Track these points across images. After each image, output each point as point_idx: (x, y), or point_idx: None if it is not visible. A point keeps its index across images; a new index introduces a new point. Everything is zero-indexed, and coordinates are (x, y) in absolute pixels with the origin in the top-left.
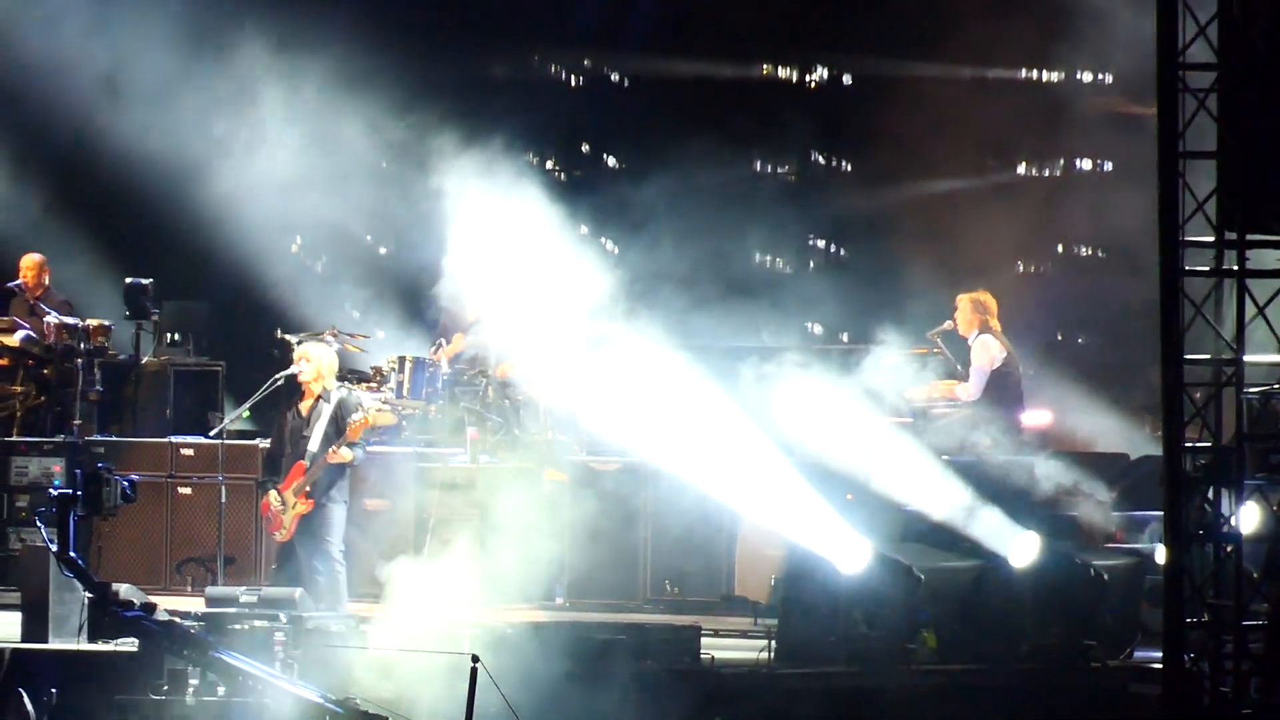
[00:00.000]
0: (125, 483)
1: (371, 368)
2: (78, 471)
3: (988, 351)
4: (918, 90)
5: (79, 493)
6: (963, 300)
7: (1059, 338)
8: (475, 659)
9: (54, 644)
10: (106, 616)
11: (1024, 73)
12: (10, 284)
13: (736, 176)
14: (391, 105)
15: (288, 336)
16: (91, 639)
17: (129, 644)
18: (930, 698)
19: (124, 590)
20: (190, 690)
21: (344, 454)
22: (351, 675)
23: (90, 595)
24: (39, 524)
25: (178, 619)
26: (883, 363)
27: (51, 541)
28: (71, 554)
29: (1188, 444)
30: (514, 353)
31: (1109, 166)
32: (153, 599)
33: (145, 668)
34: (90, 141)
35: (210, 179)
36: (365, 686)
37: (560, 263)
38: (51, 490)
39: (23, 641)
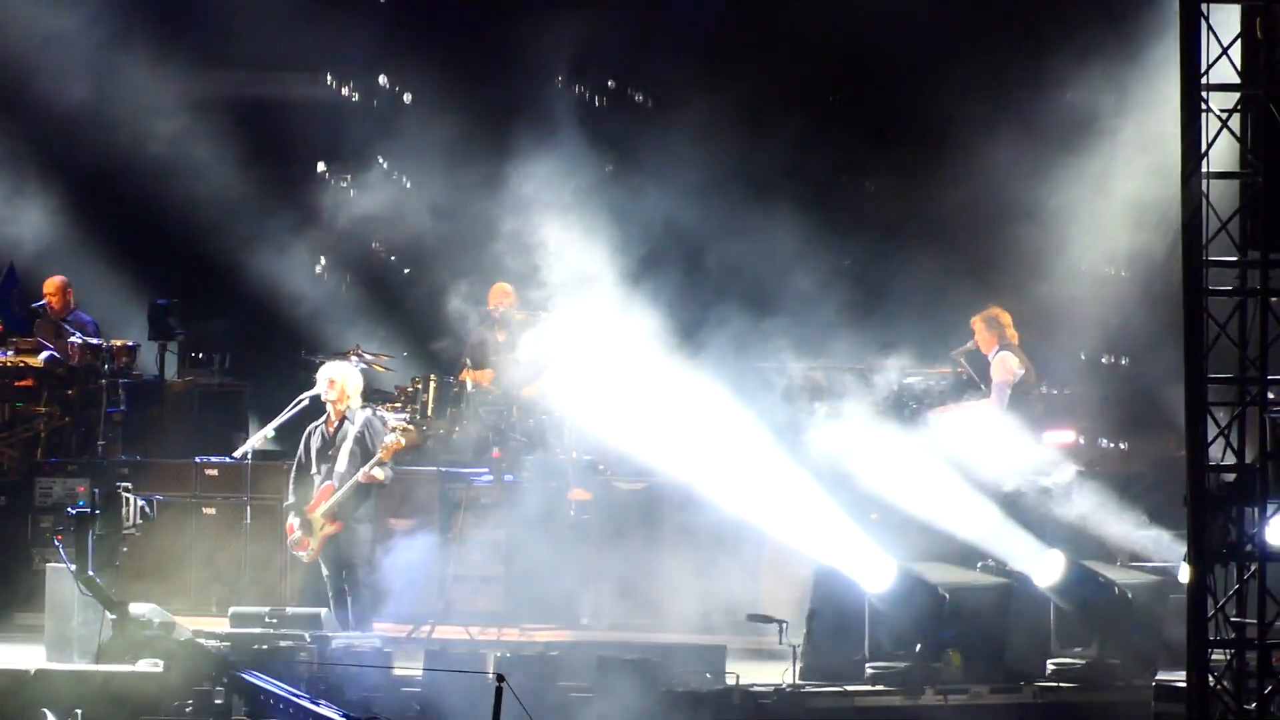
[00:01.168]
0: (144, 502)
1: (396, 387)
2: (95, 491)
3: (1008, 367)
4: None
5: (97, 512)
6: (977, 320)
7: (1083, 357)
8: (500, 679)
9: (78, 664)
10: (126, 636)
11: (1044, 91)
12: (35, 305)
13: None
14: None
15: (313, 357)
16: (111, 659)
17: (153, 664)
18: (956, 717)
19: (146, 610)
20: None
21: (376, 474)
22: (377, 695)
23: (111, 615)
24: (57, 544)
25: (200, 639)
26: (907, 382)
27: (70, 562)
28: (90, 573)
29: (1211, 463)
30: (544, 373)
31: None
32: (176, 619)
33: (169, 688)
34: (116, 163)
35: (235, 200)
36: (390, 707)
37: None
38: (70, 510)
39: (47, 661)
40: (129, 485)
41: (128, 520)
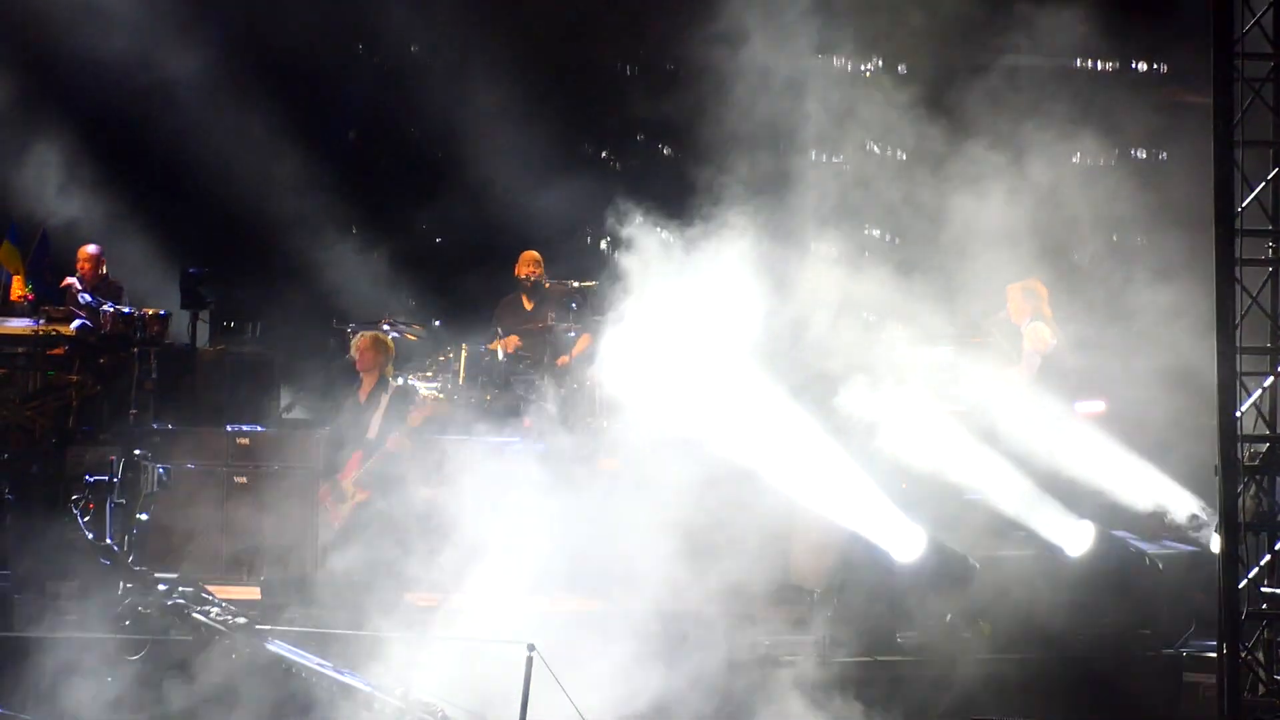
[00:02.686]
0: (161, 469)
1: (427, 356)
2: (113, 459)
3: (1041, 337)
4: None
5: (115, 480)
6: (1013, 289)
7: (1113, 327)
8: (531, 647)
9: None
10: (147, 605)
11: (1078, 62)
12: (69, 279)
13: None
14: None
15: (344, 326)
16: (132, 628)
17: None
18: (986, 687)
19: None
20: None
21: (405, 442)
22: (407, 664)
23: (128, 584)
24: (75, 513)
25: (226, 607)
26: (937, 351)
27: (88, 530)
28: (109, 541)
29: (1242, 434)
30: (578, 342)
31: (1164, 156)
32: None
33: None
34: (148, 132)
35: (265, 168)
36: (420, 675)
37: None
38: (88, 477)
39: (80, 631)
40: (147, 454)
41: (146, 488)
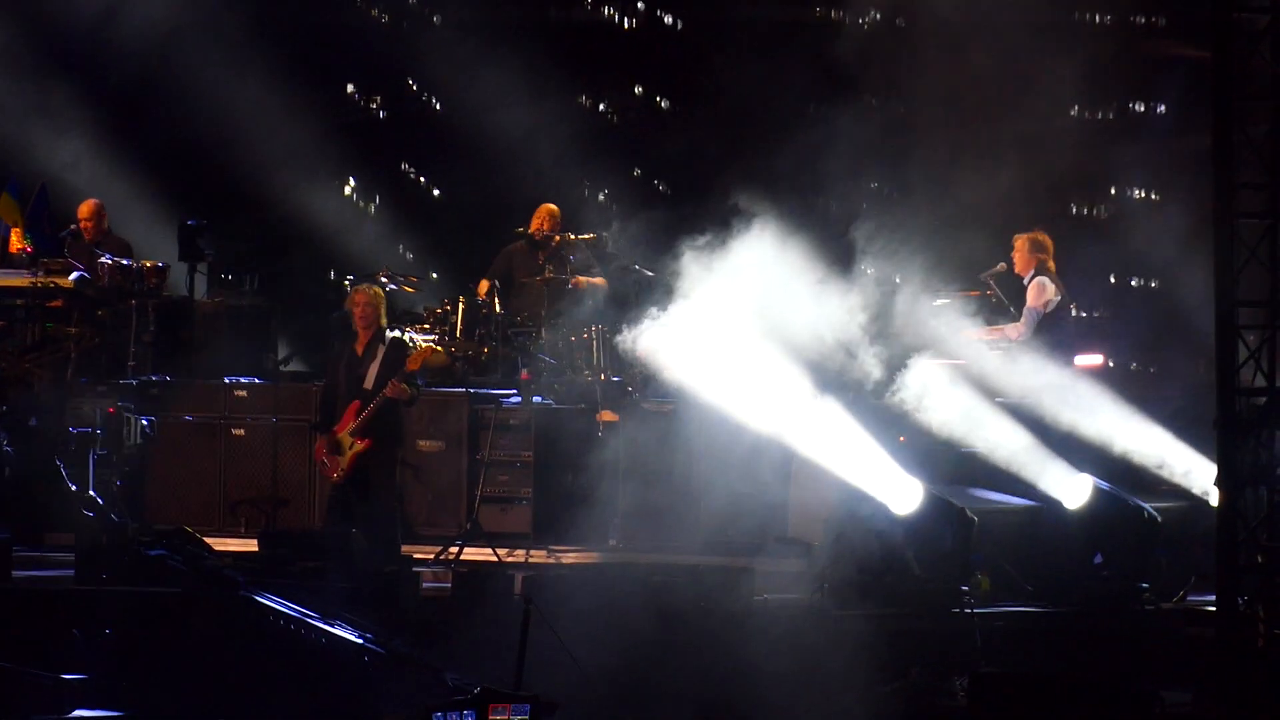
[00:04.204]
0: (145, 421)
1: (424, 308)
2: (96, 410)
3: (1044, 292)
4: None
5: (99, 431)
6: (1021, 240)
7: (1112, 280)
8: (528, 600)
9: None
10: (128, 555)
11: (1076, 15)
12: (63, 232)
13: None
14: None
15: (342, 278)
16: (115, 578)
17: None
18: (984, 640)
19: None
20: None
21: (403, 389)
22: (404, 617)
23: (112, 534)
24: (58, 464)
25: (213, 558)
26: (935, 304)
27: (71, 481)
28: (91, 493)
29: (1241, 387)
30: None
31: (1162, 110)
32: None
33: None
34: (148, 87)
35: (260, 122)
36: (416, 628)
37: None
38: (71, 429)
39: (77, 583)
40: (130, 405)
41: (129, 439)
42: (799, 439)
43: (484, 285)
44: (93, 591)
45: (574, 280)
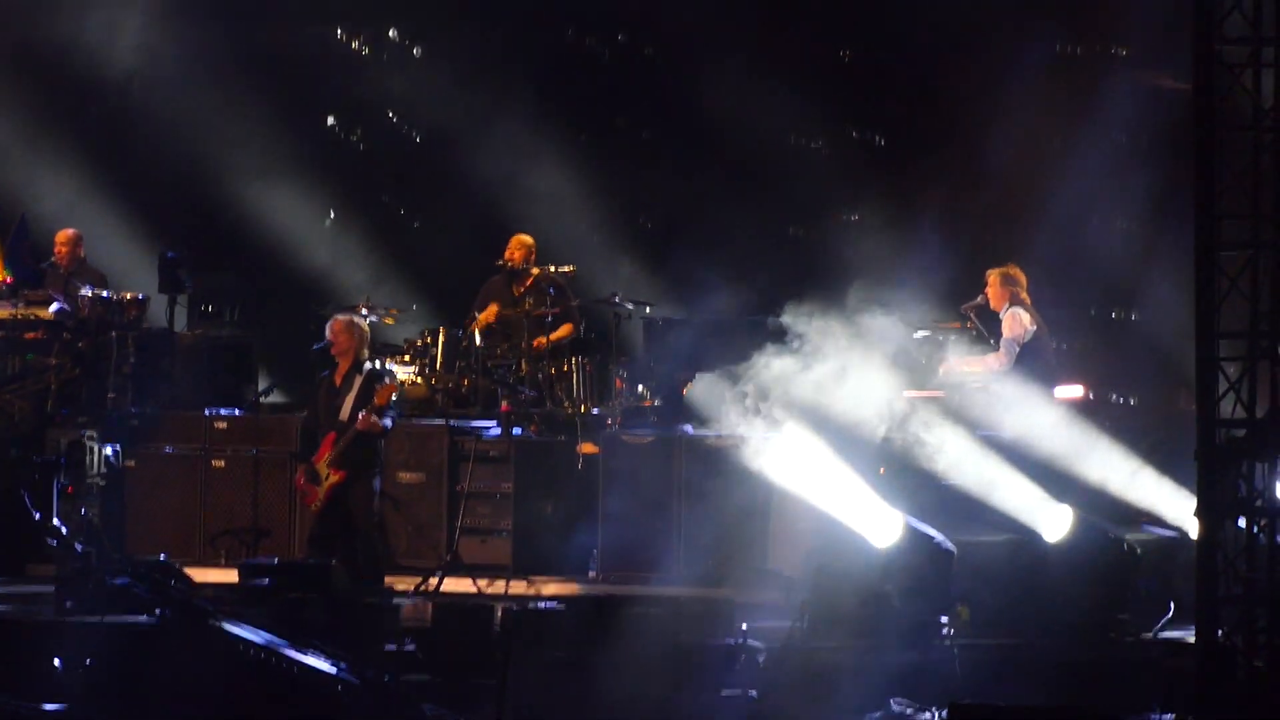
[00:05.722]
0: (110, 451)
1: (404, 340)
2: (60, 441)
3: (1019, 323)
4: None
5: (63, 461)
6: (992, 275)
7: (1092, 313)
8: (509, 633)
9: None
10: (91, 585)
11: (1057, 47)
12: (43, 264)
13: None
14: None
15: (321, 309)
16: (76, 609)
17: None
18: (964, 671)
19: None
20: None
21: (374, 420)
22: (384, 647)
23: (75, 564)
24: (22, 494)
25: (182, 586)
26: (915, 336)
27: (35, 510)
28: (55, 523)
29: (1222, 419)
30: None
31: (1144, 141)
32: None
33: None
34: (125, 118)
35: (241, 154)
36: (396, 659)
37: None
38: (35, 459)
39: (56, 615)
40: (94, 434)
41: (93, 469)
42: (781, 471)
43: (482, 318)
44: (60, 622)
45: (536, 342)
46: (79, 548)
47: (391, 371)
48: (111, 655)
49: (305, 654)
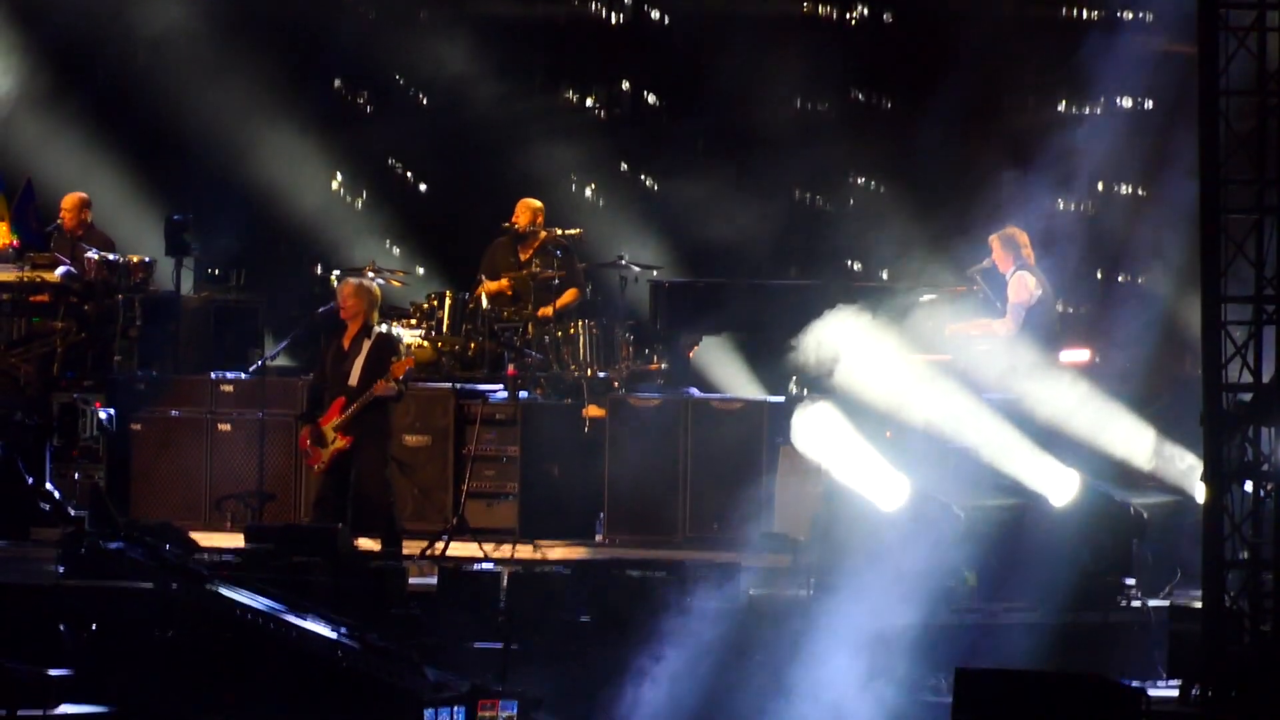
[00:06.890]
0: (104, 415)
1: (411, 304)
2: (52, 404)
3: (1025, 287)
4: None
5: (55, 424)
6: (994, 240)
7: (1099, 275)
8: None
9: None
10: (84, 549)
11: (1063, 11)
12: (49, 228)
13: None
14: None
15: (329, 273)
16: (68, 573)
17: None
18: (971, 636)
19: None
20: None
21: (391, 386)
22: (389, 611)
23: (68, 528)
24: (15, 458)
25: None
26: (922, 300)
27: (28, 474)
28: (48, 486)
29: (1228, 383)
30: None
31: (1149, 105)
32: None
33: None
34: (132, 81)
35: (247, 117)
36: (401, 621)
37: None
38: (27, 421)
39: (63, 579)
40: (87, 398)
41: (84, 432)
42: (787, 434)
43: (491, 286)
44: (61, 586)
45: (541, 311)
46: (71, 512)
47: (401, 337)
48: (111, 620)
49: (305, 618)
